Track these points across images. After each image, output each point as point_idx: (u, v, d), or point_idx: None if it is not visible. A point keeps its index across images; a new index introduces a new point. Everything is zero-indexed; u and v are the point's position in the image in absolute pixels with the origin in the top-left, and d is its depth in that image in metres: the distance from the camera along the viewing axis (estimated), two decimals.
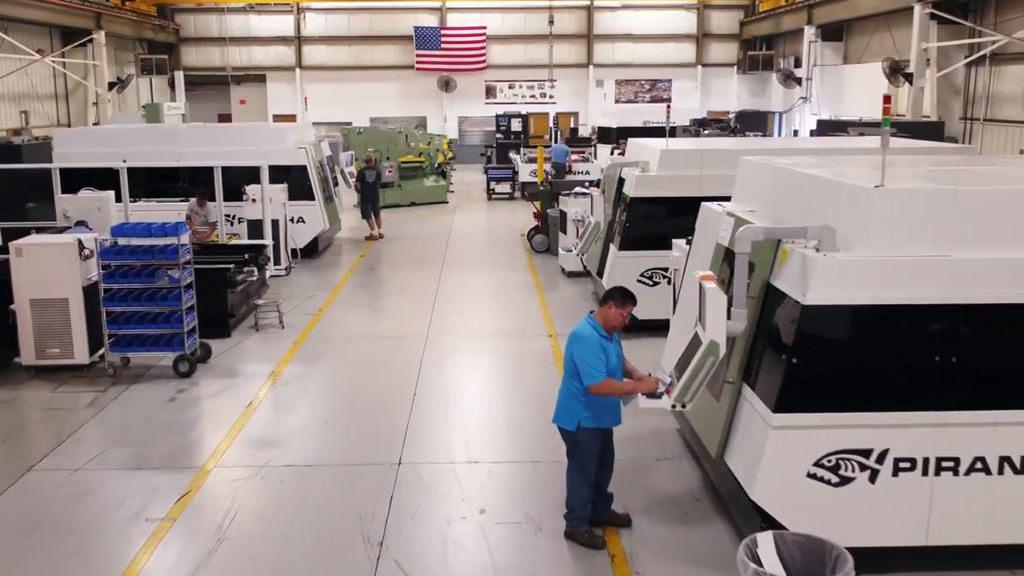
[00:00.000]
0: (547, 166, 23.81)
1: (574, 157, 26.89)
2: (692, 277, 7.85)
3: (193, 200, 14.25)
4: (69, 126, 28.48)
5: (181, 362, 10.03)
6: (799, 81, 30.94)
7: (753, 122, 32.65)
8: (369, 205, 19.36)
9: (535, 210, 18.12)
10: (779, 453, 5.48)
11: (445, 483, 7.29)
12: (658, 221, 11.24)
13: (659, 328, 10.83)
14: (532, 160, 26.19)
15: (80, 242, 9.92)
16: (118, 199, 13.53)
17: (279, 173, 16.36)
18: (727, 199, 10.47)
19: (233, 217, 15.73)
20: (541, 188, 17.86)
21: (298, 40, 37.70)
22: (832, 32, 30.08)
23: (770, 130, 33.52)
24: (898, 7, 24.43)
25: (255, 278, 12.91)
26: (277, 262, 15.20)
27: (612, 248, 11.62)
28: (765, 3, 35.00)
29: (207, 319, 11.05)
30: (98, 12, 29.01)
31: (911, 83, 22.67)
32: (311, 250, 16.99)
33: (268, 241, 13.82)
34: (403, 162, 24.53)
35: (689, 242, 9.07)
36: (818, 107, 30.47)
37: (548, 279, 15.08)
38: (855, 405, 5.44)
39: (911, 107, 22.73)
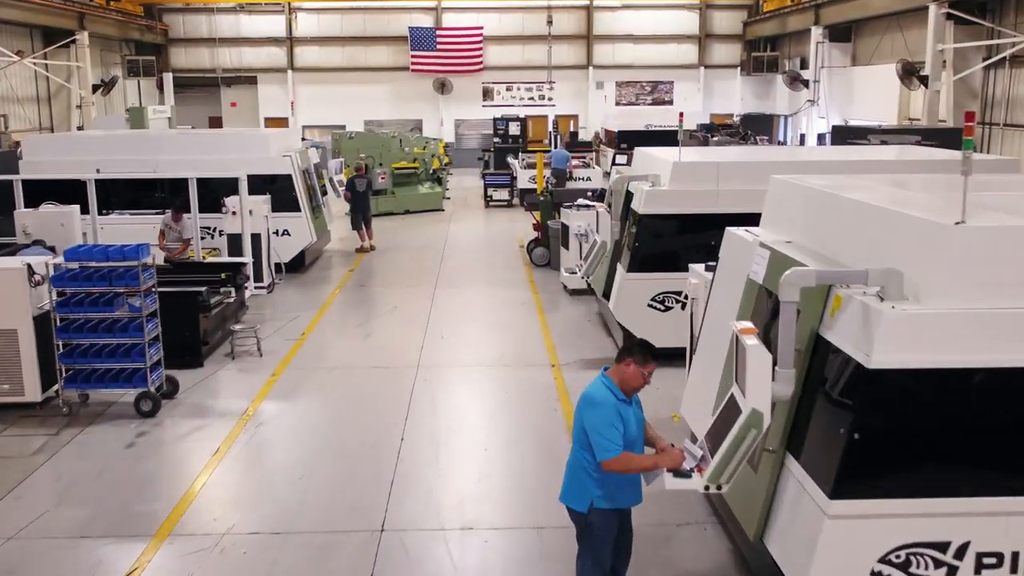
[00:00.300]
0: (546, 172, 22.85)
1: (574, 162, 25.94)
2: (717, 315, 6.87)
3: (168, 213, 13.24)
4: (52, 130, 27.48)
5: (143, 400, 9.04)
6: (806, 83, 29.97)
7: (758, 125, 31.69)
8: (360, 215, 18.38)
9: (535, 221, 17.14)
10: (837, 546, 4.50)
11: (434, 555, 6.30)
12: (671, 240, 10.28)
13: (672, 357, 9.88)
14: (531, 166, 25.23)
15: (30, 267, 8.92)
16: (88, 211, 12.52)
17: (263, 183, 15.40)
18: (747, 218, 9.51)
19: (214, 230, 14.77)
20: (541, 198, 16.86)
21: (290, 41, 36.69)
22: (840, 33, 29.13)
23: (776, 134, 32.55)
24: (912, 7, 23.46)
25: (232, 300, 11.93)
26: (259, 279, 14.21)
27: (620, 269, 10.64)
28: (769, 3, 34.05)
29: (177, 347, 10.11)
30: (81, 12, 27.98)
31: (926, 86, 21.71)
32: (297, 264, 16.01)
33: (247, 258, 12.82)
34: (397, 168, 23.55)
35: (709, 268, 8.10)
36: (826, 110, 29.52)
37: (549, 297, 14.10)
38: (930, 490, 4.46)
39: (926, 111, 21.76)
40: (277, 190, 15.51)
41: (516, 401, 9.49)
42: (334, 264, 17.17)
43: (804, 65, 32.41)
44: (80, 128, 27.14)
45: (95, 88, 29.02)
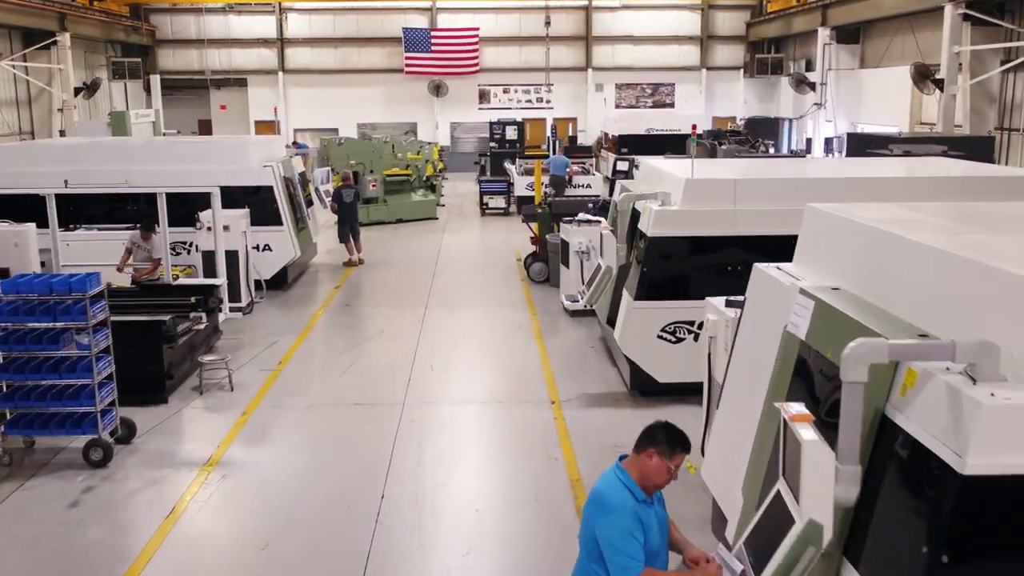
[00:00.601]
0: (544, 178, 21.87)
1: (574, 168, 24.97)
2: (747, 367, 5.90)
3: (136, 231, 12.24)
4: (33, 135, 26.45)
5: (93, 449, 8.05)
6: (812, 86, 29.01)
7: (763, 129, 30.73)
8: (347, 227, 17.39)
9: (532, 235, 16.16)
10: None
11: None
12: (683, 265, 9.30)
13: (684, 393, 8.99)
14: (528, 172, 24.25)
15: None
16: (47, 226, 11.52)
17: (243, 195, 14.44)
18: (768, 241, 8.58)
19: (190, 245, 13.81)
20: (539, 210, 15.88)
21: (281, 42, 35.69)
22: (848, 34, 28.18)
23: (781, 138, 31.59)
24: (926, 7, 22.50)
25: (203, 326, 10.95)
26: (236, 299, 13.24)
27: (626, 296, 9.65)
28: (774, 3, 33.11)
29: (139, 381, 9.19)
30: (62, 12, 26.95)
31: (942, 90, 20.75)
32: (280, 281, 15.02)
33: (221, 279, 11.85)
34: (388, 176, 22.56)
35: (731, 304, 7.13)
36: (833, 114, 28.56)
37: (548, 319, 13.13)
38: None
39: (942, 116, 20.80)
40: (257, 202, 14.55)
41: (511, 448, 8.51)
42: (320, 280, 16.19)
43: (810, 67, 31.45)
44: (62, 133, 26.11)
45: (77, 91, 28.00)
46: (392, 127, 36.27)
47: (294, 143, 34.63)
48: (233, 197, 14.44)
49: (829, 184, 9.19)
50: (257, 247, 14.59)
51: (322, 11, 35.41)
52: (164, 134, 28.26)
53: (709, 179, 9.29)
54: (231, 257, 13.14)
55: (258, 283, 14.26)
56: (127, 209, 14.57)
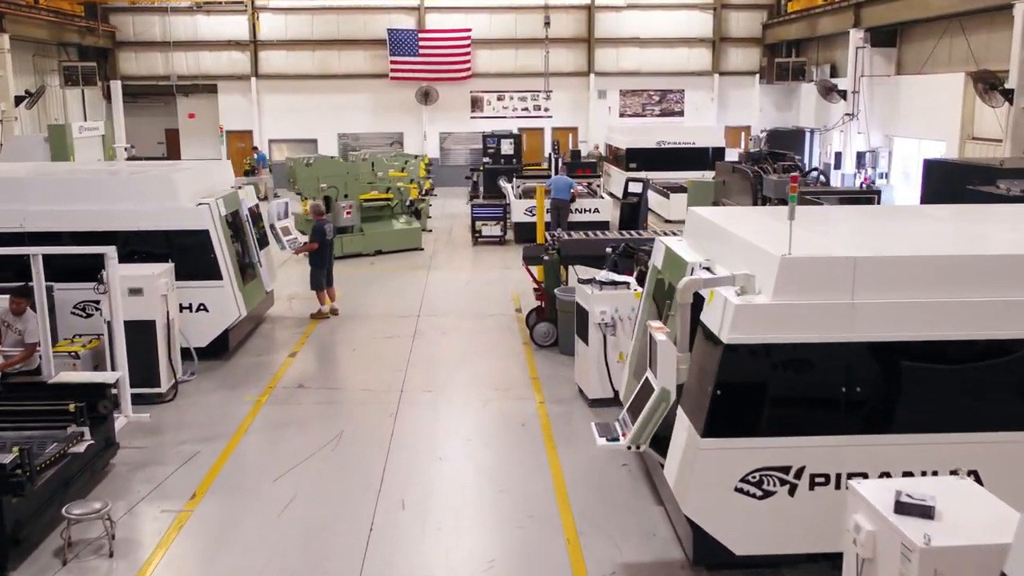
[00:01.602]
0: (546, 201, 18.79)
1: (578, 189, 21.92)
2: None
3: (6, 304, 9.09)
4: None
5: None
6: (843, 94, 26.00)
7: (786, 142, 27.72)
8: (323, 271, 14.27)
9: (536, 286, 13.07)
10: None
11: None
12: (776, 385, 6.23)
13: (769, 567, 6.03)
14: (528, 194, 21.16)
15: None
16: None
17: (169, 242, 11.37)
18: (904, 349, 5.68)
19: (98, 304, 10.70)
20: (545, 257, 12.75)
21: (253, 44, 32.59)
22: (883, 36, 25.19)
23: (808, 154, 28.56)
24: (985, 6, 19.57)
25: (84, 447, 7.83)
26: (153, 383, 10.15)
27: (686, 424, 6.53)
28: (796, 2, 30.10)
29: None
30: (0, 11, 23.79)
31: (1011, 102, 17.78)
32: (219, 348, 11.90)
33: (114, 374, 8.70)
34: (366, 200, 19.44)
35: (902, 507, 4.09)
36: (866, 125, 25.57)
37: (561, 409, 10.05)
38: None
39: (1011, 132, 17.84)
40: (189, 250, 11.46)
41: None
42: (274, 342, 13.05)
43: (835, 72, 28.50)
44: None
45: (18, 100, 24.80)
46: (376, 137, 33.23)
47: (253, 148, 31.54)
48: (157, 245, 11.42)
49: (1000, 264, 6.15)
50: (189, 307, 11.52)
51: (298, 10, 32.35)
52: (114, 150, 25.06)
53: (816, 257, 6.19)
54: (144, 329, 10.04)
55: (187, 352, 11.17)
56: (21, 259, 11.43)
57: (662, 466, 6.96)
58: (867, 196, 12.34)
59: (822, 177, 15.05)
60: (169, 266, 10.64)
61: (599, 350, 9.83)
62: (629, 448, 6.60)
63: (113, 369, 9.19)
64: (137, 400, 9.90)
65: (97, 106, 31.71)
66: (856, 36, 25.11)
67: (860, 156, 25.34)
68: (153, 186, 11.54)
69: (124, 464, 8.55)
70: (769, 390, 6.20)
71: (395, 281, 16.93)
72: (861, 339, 6.11)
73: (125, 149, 28.94)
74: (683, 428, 6.51)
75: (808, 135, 29.68)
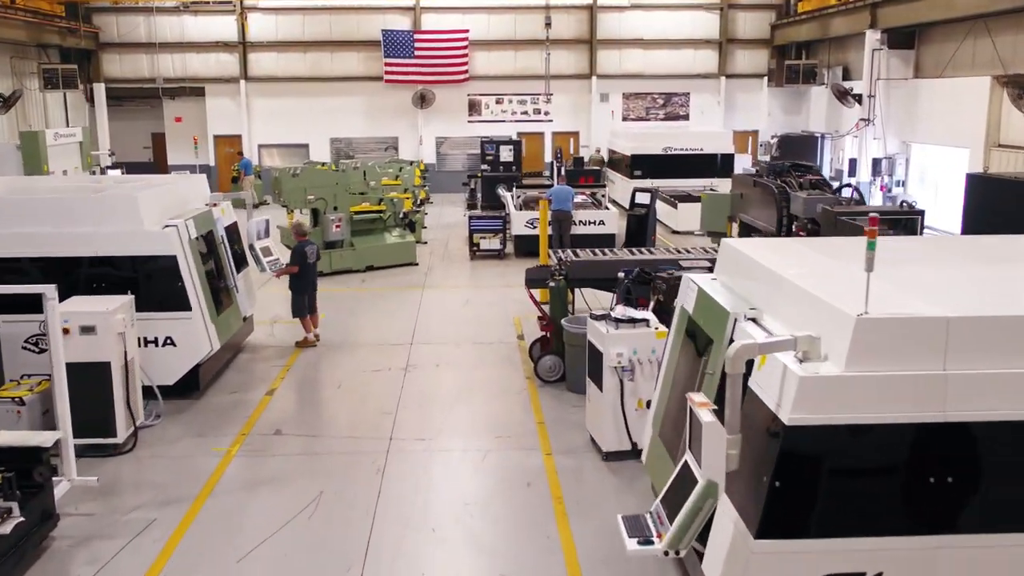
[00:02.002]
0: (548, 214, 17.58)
1: (582, 198, 20.78)
2: None
3: None
4: None
5: None
6: (858, 98, 24.83)
7: (798, 148, 26.58)
8: (305, 297, 13.09)
9: (540, 314, 11.86)
10: None
11: None
12: (848, 476, 5.03)
13: None
14: (528, 204, 19.99)
15: None
16: None
17: (132, 269, 10.18)
18: (1002, 431, 4.43)
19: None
20: (551, 282, 11.54)
21: (243, 46, 31.35)
22: (901, 38, 24.01)
23: (821, 160, 27.39)
24: (1013, 6, 18.42)
25: (11, 527, 6.61)
26: (108, 433, 8.95)
27: (732, 515, 5.33)
28: (807, 2, 28.92)
29: None
30: None
31: None
32: (189, 386, 10.69)
33: (54, 434, 7.46)
34: (357, 213, 18.25)
35: None
36: (883, 131, 24.41)
37: (571, 464, 8.84)
38: None
39: None
40: (154, 278, 10.27)
41: None
42: (251, 376, 11.82)
43: (847, 75, 27.35)
44: None
45: None
46: (370, 142, 32.07)
47: (238, 153, 30.35)
48: (121, 271, 10.24)
49: None
50: (155, 341, 10.32)
51: (289, 10, 31.12)
52: (93, 158, 23.82)
53: (900, 318, 4.98)
54: (98, 372, 8.84)
55: (150, 391, 9.96)
56: None
57: (697, 553, 5.77)
58: (909, 217, 11.14)
59: (856, 194, 13.75)
60: (128, 299, 9.42)
61: (615, 396, 8.63)
62: (666, 554, 5.22)
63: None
64: (90, 451, 8.74)
65: (80, 110, 30.49)
66: (872, 37, 23.93)
67: (876, 163, 24.22)
68: (115, 207, 10.31)
69: (66, 538, 7.34)
70: (840, 481, 4.99)
71: (387, 302, 15.72)
72: (954, 419, 4.91)
73: (108, 155, 27.79)
74: (729, 521, 5.30)
75: (820, 140, 28.56)
